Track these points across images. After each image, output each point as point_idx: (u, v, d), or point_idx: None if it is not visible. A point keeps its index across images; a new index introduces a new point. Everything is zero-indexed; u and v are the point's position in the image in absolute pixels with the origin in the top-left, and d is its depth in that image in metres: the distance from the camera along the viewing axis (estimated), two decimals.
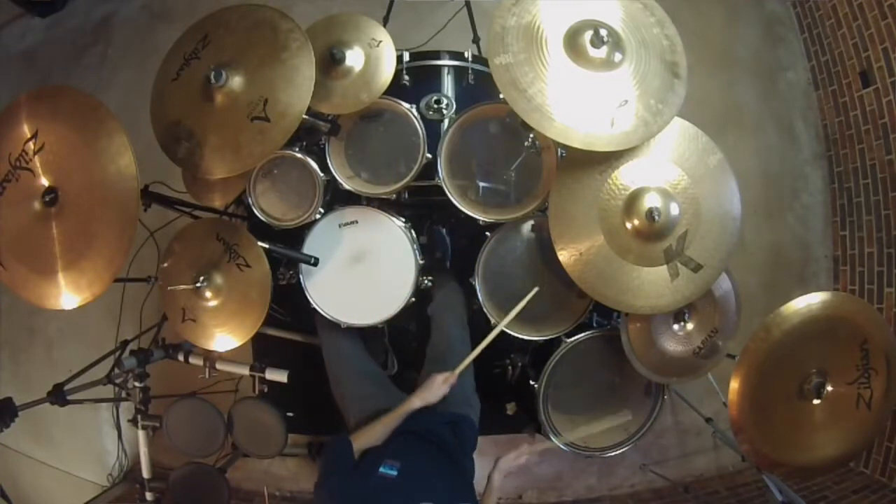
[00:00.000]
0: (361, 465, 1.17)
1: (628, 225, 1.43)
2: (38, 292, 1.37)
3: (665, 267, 1.44)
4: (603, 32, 1.32)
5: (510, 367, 1.87)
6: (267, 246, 1.57)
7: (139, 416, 1.80)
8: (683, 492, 2.44)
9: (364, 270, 1.68)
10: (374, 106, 1.65)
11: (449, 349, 1.64)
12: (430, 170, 1.64)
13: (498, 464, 1.37)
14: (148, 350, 1.77)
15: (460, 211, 1.61)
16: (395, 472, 1.07)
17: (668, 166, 1.45)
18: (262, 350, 1.93)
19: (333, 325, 1.68)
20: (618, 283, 1.44)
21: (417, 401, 1.39)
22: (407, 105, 1.68)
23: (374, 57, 1.65)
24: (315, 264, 1.62)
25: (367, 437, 1.29)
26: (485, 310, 1.66)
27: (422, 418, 1.40)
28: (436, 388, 1.41)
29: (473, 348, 1.66)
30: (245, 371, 1.84)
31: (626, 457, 1.92)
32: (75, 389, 1.63)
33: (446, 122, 1.78)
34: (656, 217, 1.39)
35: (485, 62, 1.68)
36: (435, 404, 1.51)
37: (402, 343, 1.91)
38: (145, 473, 1.87)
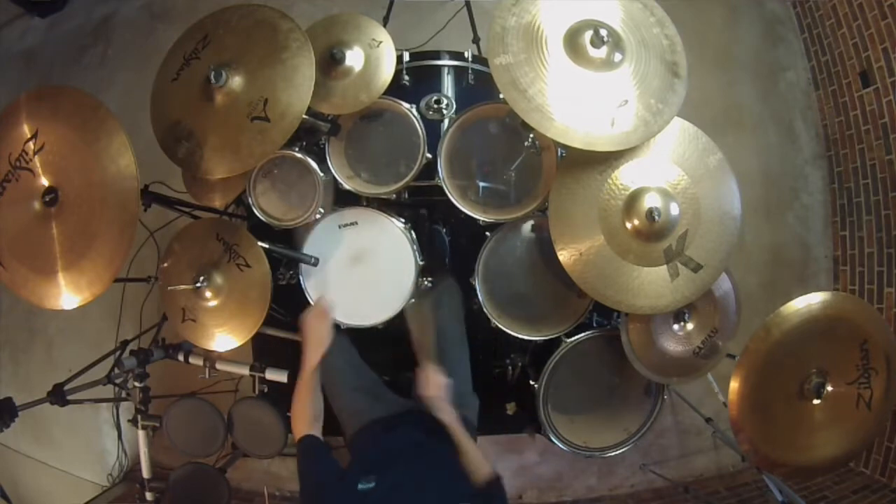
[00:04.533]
0: (345, 479, 1.14)
1: (628, 225, 1.43)
2: (38, 292, 1.37)
3: (665, 267, 1.44)
4: (603, 32, 1.32)
5: (510, 367, 1.87)
6: (267, 246, 1.57)
7: (139, 416, 1.81)
8: (683, 492, 2.44)
9: (364, 271, 1.68)
10: (374, 106, 1.65)
11: (445, 348, 1.64)
12: (430, 170, 1.64)
13: (428, 401, 1.32)
14: (148, 350, 1.77)
15: (460, 211, 1.61)
16: (371, 485, 1.07)
17: (668, 166, 1.45)
18: (262, 350, 1.93)
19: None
20: (618, 283, 1.44)
21: (309, 355, 1.37)
22: (407, 105, 1.68)
23: (374, 57, 1.65)
24: (315, 264, 1.62)
25: (303, 418, 1.27)
26: (485, 310, 1.66)
27: (418, 422, 1.39)
28: (308, 327, 1.40)
29: (471, 347, 1.66)
30: (245, 371, 1.84)
31: (626, 457, 1.92)
32: (75, 389, 1.63)
33: (446, 122, 1.78)
34: (656, 217, 1.39)
35: (485, 62, 1.68)
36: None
37: (401, 343, 1.90)
38: (145, 473, 1.87)
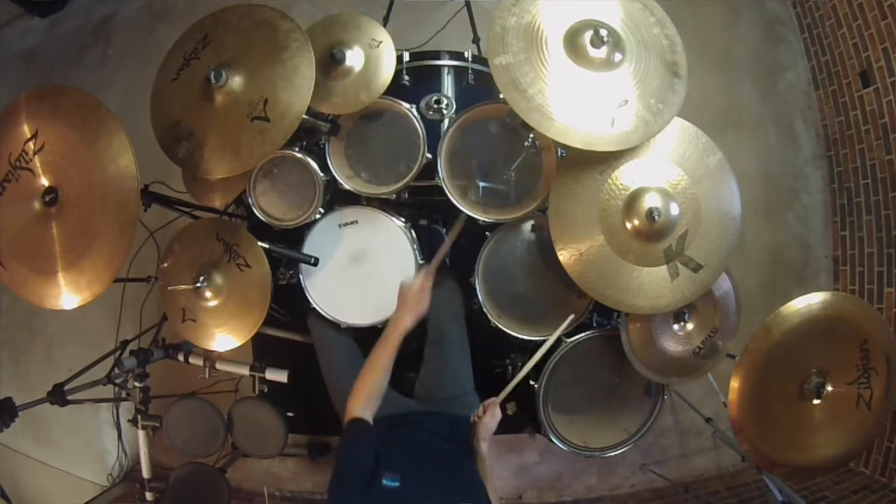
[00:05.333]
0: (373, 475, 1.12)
1: (628, 225, 1.43)
2: (38, 292, 1.37)
3: (665, 267, 1.44)
4: (603, 32, 1.32)
5: (510, 367, 1.87)
6: (267, 246, 1.57)
7: (139, 416, 1.81)
8: (683, 492, 2.44)
9: (364, 270, 1.68)
10: (374, 106, 1.65)
11: (446, 348, 1.64)
12: (430, 170, 1.64)
13: (476, 432, 1.35)
14: (148, 350, 1.77)
15: (460, 211, 1.61)
16: (396, 484, 1.07)
17: (668, 166, 1.45)
18: (262, 350, 1.93)
19: (327, 334, 1.67)
20: (618, 283, 1.44)
21: (407, 318, 1.34)
22: (407, 105, 1.68)
23: (374, 57, 1.65)
24: (315, 264, 1.62)
25: (366, 392, 1.23)
26: (485, 310, 1.66)
27: (420, 421, 1.39)
28: (415, 295, 1.37)
29: (471, 347, 1.66)
30: (245, 371, 1.84)
31: (626, 457, 1.92)
32: (75, 389, 1.63)
33: (446, 122, 1.78)
34: (656, 217, 1.39)
35: (485, 62, 1.68)
36: (434, 406, 1.51)
37: (402, 343, 1.90)
38: (145, 473, 1.87)
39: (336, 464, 1.13)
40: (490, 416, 1.37)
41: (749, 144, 2.91)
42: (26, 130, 1.34)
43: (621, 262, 1.44)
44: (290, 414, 1.83)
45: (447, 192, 1.61)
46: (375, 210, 1.68)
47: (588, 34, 1.33)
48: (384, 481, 1.06)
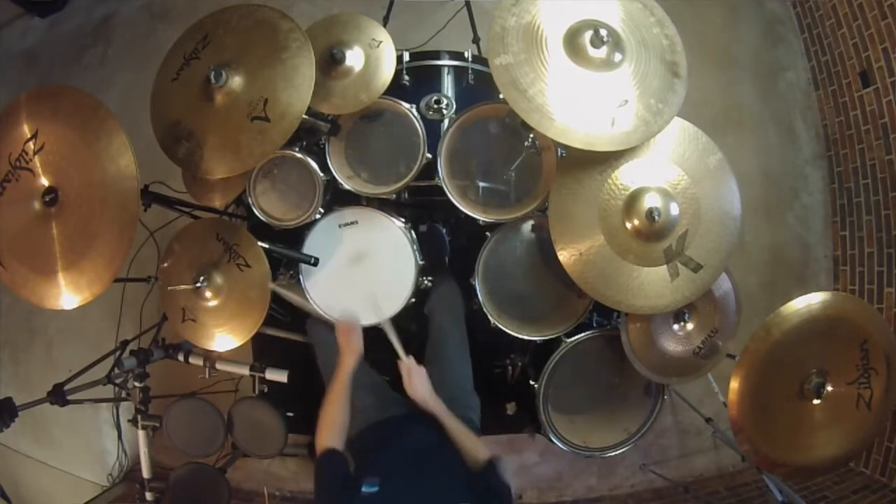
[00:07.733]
0: (350, 484, 1.15)
1: (628, 225, 1.43)
2: (38, 292, 1.37)
3: (665, 267, 1.44)
4: (603, 32, 1.32)
5: (510, 367, 1.87)
6: (267, 246, 1.57)
7: (139, 416, 1.80)
8: (683, 492, 2.44)
9: (364, 271, 1.68)
10: (374, 106, 1.65)
11: (446, 347, 1.64)
12: (430, 170, 1.64)
13: (413, 395, 1.35)
14: (148, 350, 1.77)
15: (460, 211, 1.61)
16: (375, 489, 1.07)
17: (668, 166, 1.45)
18: (262, 350, 1.93)
19: (326, 336, 1.67)
20: (618, 283, 1.44)
21: (350, 359, 1.40)
22: (407, 105, 1.68)
23: (374, 57, 1.65)
24: (315, 264, 1.62)
25: (329, 427, 1.26)
26: (485, 310, 1.66)
27: (419, 423, 1.39)
28: (344, 338, 1.44)
29: (471, 347, 1.66)
30: (245, 371, 1.84)
31: (626, 457, 1.92)
32: (75, 389, 1.63)
33: (446, 122, 1.78)
34: (656, 217, 1.39)
35: (485, 62, 1.69)
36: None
37: (403, 343, 1.90)
38: (145, 473, 1.87)
39: (315, 493, 1.16)
40: (409, 377, 1.37)
41: (749, 144, 2.91)
42: (26, 130, 1.34)
43: (621, 262, 1.44)
44: (290, 414, 1.83)
45: (447, 192, 1.61)
46: (375, 210, 1.67)
47: (588, 34, 1.33)
48: (363, 488, 1.07)
